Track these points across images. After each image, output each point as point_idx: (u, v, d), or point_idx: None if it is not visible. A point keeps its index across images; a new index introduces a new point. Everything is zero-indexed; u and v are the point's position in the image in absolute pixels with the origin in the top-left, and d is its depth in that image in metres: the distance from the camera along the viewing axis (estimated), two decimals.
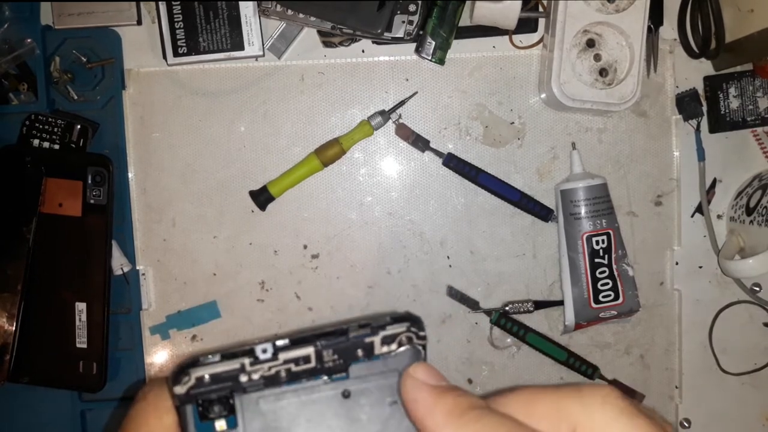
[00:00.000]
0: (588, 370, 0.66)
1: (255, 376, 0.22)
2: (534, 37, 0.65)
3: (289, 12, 0.61)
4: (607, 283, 0.63)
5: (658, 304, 0.68)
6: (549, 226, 0.66)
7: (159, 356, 0.68)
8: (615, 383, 0.67)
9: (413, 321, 0.23)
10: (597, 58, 0.60)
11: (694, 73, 0.66)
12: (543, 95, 0.64)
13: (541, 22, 0.65)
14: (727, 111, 0.66)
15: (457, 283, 0.67)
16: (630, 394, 0.67)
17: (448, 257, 0.67)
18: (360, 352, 0.23)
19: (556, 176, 0.66)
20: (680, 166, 0.67)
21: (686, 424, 0.69)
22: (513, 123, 0.66)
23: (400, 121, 0.65)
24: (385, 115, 0.64)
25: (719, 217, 0.68)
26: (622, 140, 0.66)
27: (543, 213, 0.66)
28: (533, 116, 0.66)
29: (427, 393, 0.22)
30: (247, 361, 0.22)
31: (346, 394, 0.23)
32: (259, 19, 0.63)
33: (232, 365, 0.22)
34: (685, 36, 0.65)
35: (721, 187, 0.68)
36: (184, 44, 0.63)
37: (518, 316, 0.67)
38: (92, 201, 0.64)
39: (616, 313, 0.64)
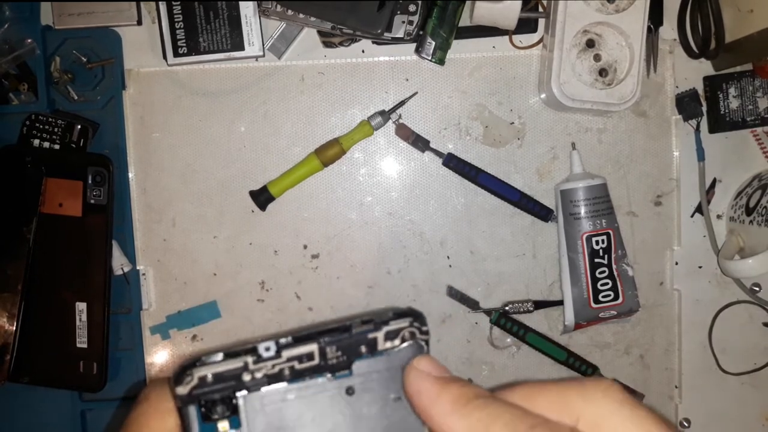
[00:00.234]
0: (588, 370, 0.66)
1: (258, 375, 0.22)
2: (534, 38, 0.65)
3: (289, 12, 0.61)
4: (607, 283, 0.63)
5: (658, 304, 0.68)
6: (549, 226, 0.66)
7: (159, 356, 0.68)
8: None
9: (416, 316, 0.23)
10: (597, 58, 0.60)
11: (694, 73, 0.66)
12: (543, 95, 0.64)
13: (541, 22, 0.65)
14: (726, 111, 0.66)
15: (457, 283, 0.67)
16: (630, 393, 0.67)
17: (448, 257, 0.67)
18: (363, 348, 0.23)
19: (556, 176, 0.66)
20: (680, 166, 0.67)
21: (686, 424, 0.69)
22: (513, 123, 0.66)
23: (400, 121, 0.65)
24: (385, 115, 0.64)
25: (719, 217, 0.68)
26: (622, 140, 0.66)
27: (543, 213, 0.66)
28: (533, 116, 0.66)
29: (431, 384, 0.22)
30: (250, 359, 0.22)
31: (350, 391, 0.23)
32: (259, 19, 0.63)
33: (235, 364, 0.22)
34: (684, 36, 0.65)
35: (721, 187, 0.68)
36: (185, 44, 0.63)
37: (518, 316, 0.67)
38: (92, 201, 0.64)
39: (615, 313, 0.64)
